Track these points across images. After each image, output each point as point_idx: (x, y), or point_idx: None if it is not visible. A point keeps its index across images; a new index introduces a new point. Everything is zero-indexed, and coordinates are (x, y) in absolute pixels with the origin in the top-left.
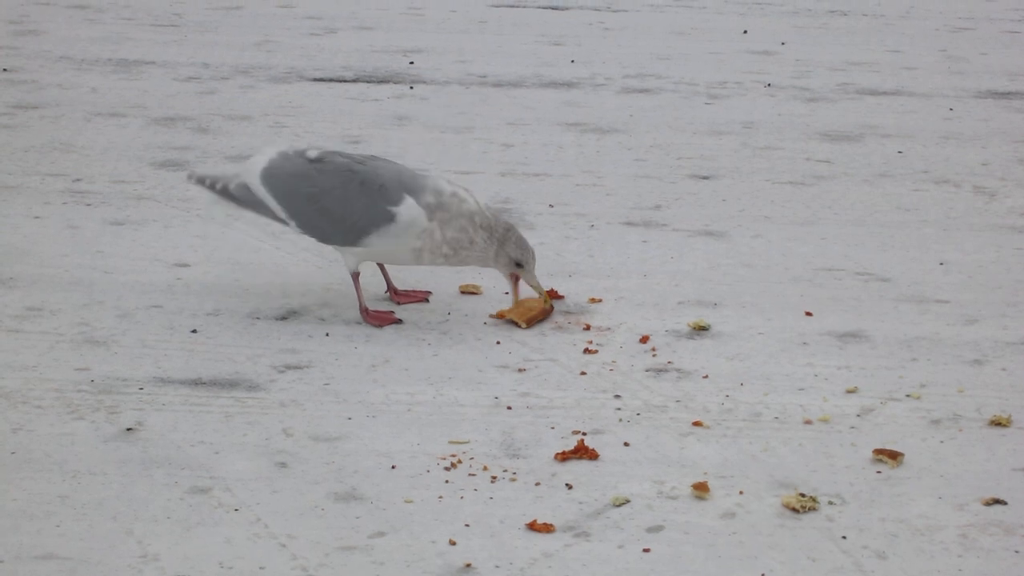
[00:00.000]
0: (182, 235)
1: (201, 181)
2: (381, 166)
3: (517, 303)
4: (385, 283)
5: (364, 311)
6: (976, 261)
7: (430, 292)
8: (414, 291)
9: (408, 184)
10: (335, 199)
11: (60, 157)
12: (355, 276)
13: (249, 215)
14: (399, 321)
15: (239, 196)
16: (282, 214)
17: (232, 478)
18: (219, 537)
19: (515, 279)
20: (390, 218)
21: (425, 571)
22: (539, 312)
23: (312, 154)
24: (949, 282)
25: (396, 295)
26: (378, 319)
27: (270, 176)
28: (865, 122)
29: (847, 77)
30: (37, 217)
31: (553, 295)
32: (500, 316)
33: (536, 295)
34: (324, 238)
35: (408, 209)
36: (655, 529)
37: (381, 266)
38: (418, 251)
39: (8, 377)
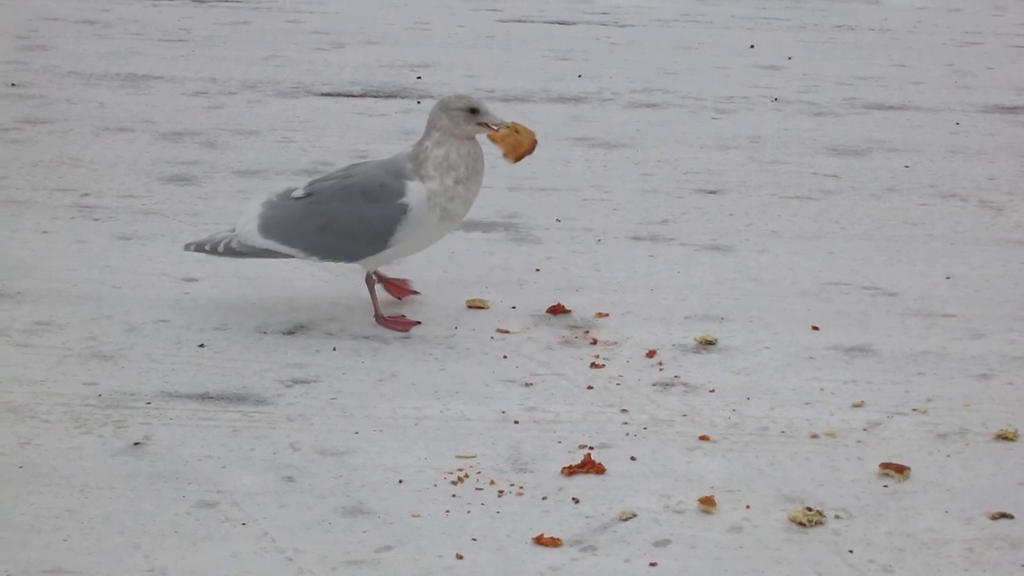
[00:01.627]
0: None
1: (200, 248)
2: (366, 169)
3: (506, 135)
4: (379, 302)
5: (380, 317)
6: (983, 275)
7: (418, 322)
8: (401, 317)
9: (396, 171)
10: (347, 217)
11: (68, 172)
12: (371, 282)
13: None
14: (417, 323)
15: (246, 252)
16: (299, 254)
17: (239, 492)
18: (226, 551)
19: (487, 129)
20: (403, 210)
21: None
22: (527, 148)
23: (297, 193)
24: (956, 296)
25: (389, 286)
26: (395, 324)
27: (270, 228)
28: (872, 136)
29: (854, 91)
30: (45, 232)
31: (560, 310)
32: (492, 139)
33: (519, 133)
34: (352, 256)
35: (413, 192)
36: (662, 543)
37: (376, 279)
38: (444, 214)
39: (16, 391)
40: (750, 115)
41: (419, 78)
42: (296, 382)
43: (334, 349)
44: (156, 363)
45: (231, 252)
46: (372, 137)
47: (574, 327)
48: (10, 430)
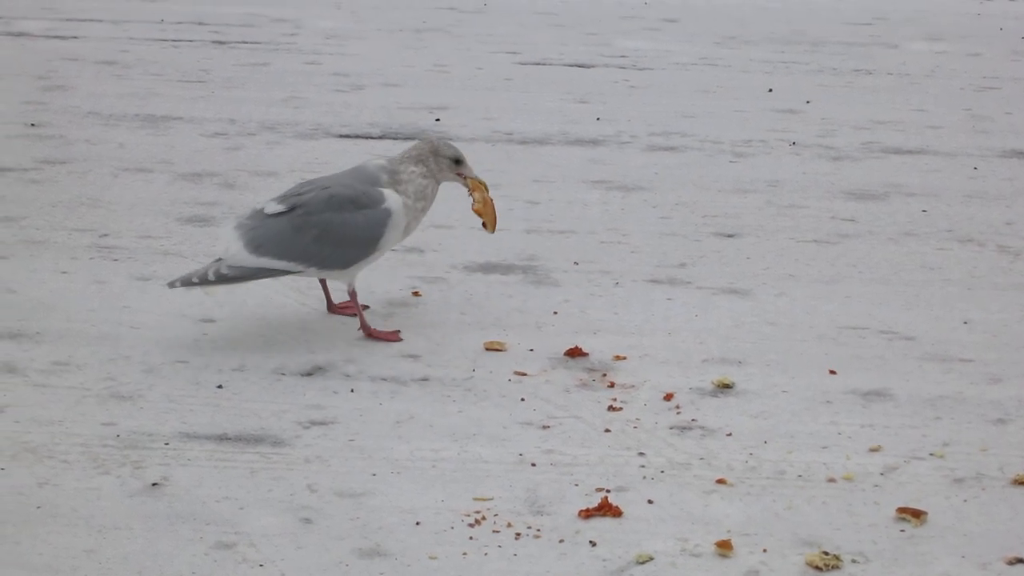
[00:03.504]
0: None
1: (187, 283)
2: (340, 179)
3: (485, 208)
4: (364, 316)
5: (367, 329)
6: (1000, 320)
7: (398, 332)
8: (385, 331)
9: (372, 180)
10: (341, 225)
11: (87, 212)
12: (354, 295)
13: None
14: (400, 340)
15: (238, 276)
16: (295, 267)
17: (257, 534)
18: None
19: (465, 179)
20: (387, 214)
21: None
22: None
23: (271, 209)
24: (973, 341)
25: (341, 311)
26: (382, 337)
27: (260, 246)
28: (890, 181)
29: (872, 136)
30: (64, 272)
31: (577, 352)
32: (476, 212)
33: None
34: (346, 263)
35: (392, 200)
36: None
37: (323, 282)
38: (407, 227)
39: (35, 431)
40: (768, 159)
41: (438, 120)
42: (314, 423)
43: (352, 391)
44: (174, 404)
45: (223, 279)
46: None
47: (592, 370)
48: (28, 470)
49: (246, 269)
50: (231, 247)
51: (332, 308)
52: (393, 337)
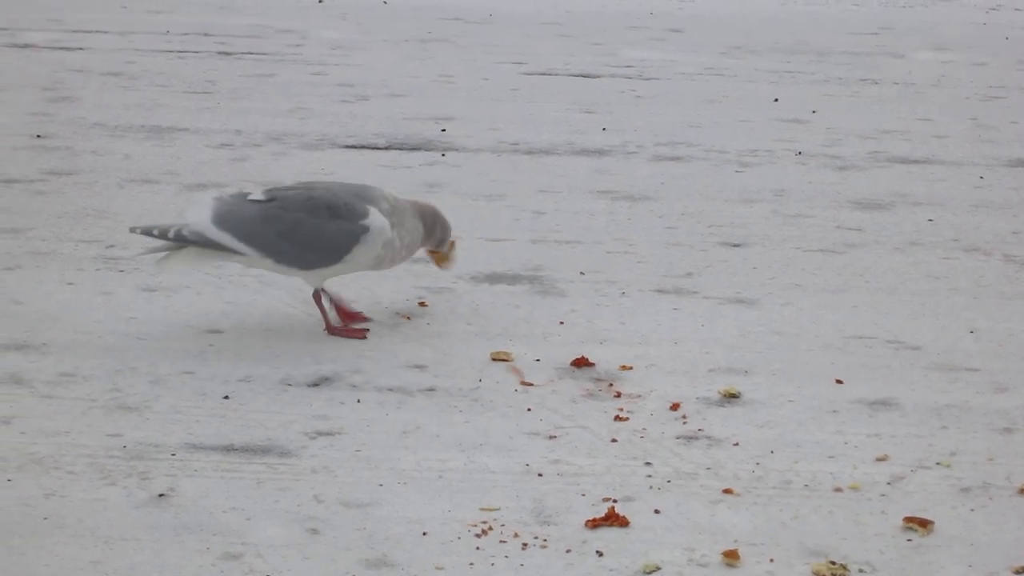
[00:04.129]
0: (214, 301)
1: (148, 232)
2: (332, 187)
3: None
4: (328, 314)
5: (331, 328)
6: (1007, 329)
7: (369, 319)
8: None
9: (366, 197)
10: (310, 228)
11: (93, 223)
12: (318, 296)
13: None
14: (367, 322)
15: (196, 241)
16: (252, 253)
17: (264, 544)
18: None
19: (433, 254)
20: (364, 230)
21: None
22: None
23: (256, 195)
24: (979, 350)
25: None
26: (349, 333)
27: (225, 221)
28: (896, 190)
29: (878, 145)
30: (70, 283)
31: (584, 362)
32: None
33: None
34: (305, 266)
35: (376, 219)
36: None
37: (323, 294)
38: (380, 259)
39: (41, 443)
40: (774, 168)
41: (444, 131)
42: (320, 434)
43: (358, 401)
44: (181, 414)
45: (181, 239)
46: (396, 189)
47: (598, 380)
48: (35, 481)
49: (204, 238)
50: (200, 214)
51: (332, 328)
52: (359, 334)
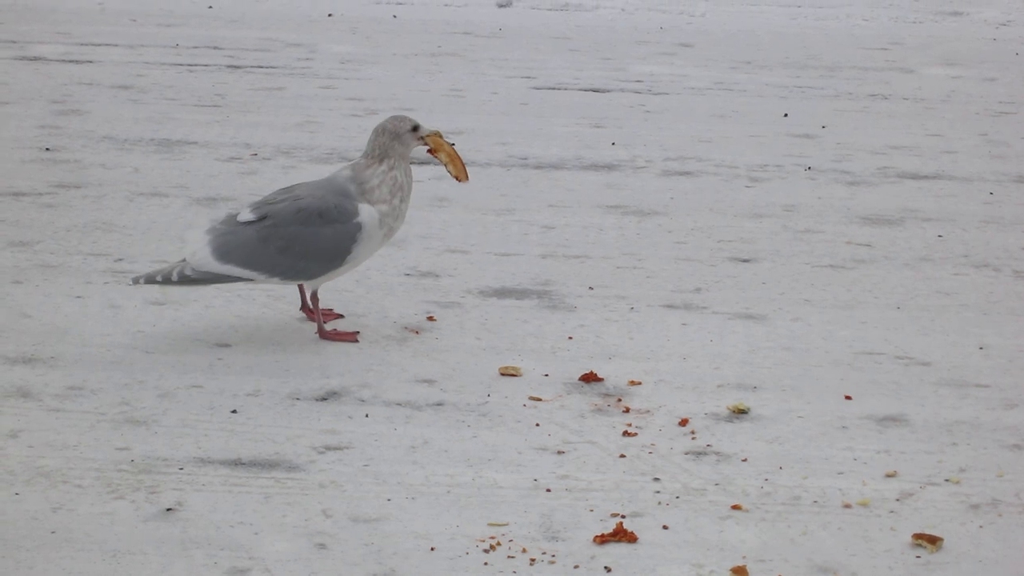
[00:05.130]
0: (223, 315)
1: (151, 280)
2: (312, 191)
3: (452, 160)
4: (301, 302)
5: (324, 332)
6: (1016, 345)
7: (340, 315)
8: (342, 332)
9: (344, 192)
10: (307, 239)
11: (102, 237)
12: (316, 301)
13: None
14: (357, 340)
15: (201, 279)
16: (259, 276)
17: (271, 559)
18: None
19: (428, 147)
20: (358, 228)
21: None
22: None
23: (244, 217)
24: (989, 366)
25: (311, 314)
26: (339, 336)
27: (227, 253)
28: (905, 206)
29: (888, 161)
30: (79, 297)
31: (592, 378)
32: (433, 154)
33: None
34: (311, 275)
35: (365, 212)
36: None
37: (301, 288)
38: (389, 231)
39: (49, 456)
40: (784, 184)
41: (453, 144)
42: (328, 448)
43: (367, 416)
44: (189, 428)
45: (186, 280)
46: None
47: (607, 395)
48: (43, 495)
49: (209, 274)
50: (199, 251)
51: (325, 332)
52: (351, 338)
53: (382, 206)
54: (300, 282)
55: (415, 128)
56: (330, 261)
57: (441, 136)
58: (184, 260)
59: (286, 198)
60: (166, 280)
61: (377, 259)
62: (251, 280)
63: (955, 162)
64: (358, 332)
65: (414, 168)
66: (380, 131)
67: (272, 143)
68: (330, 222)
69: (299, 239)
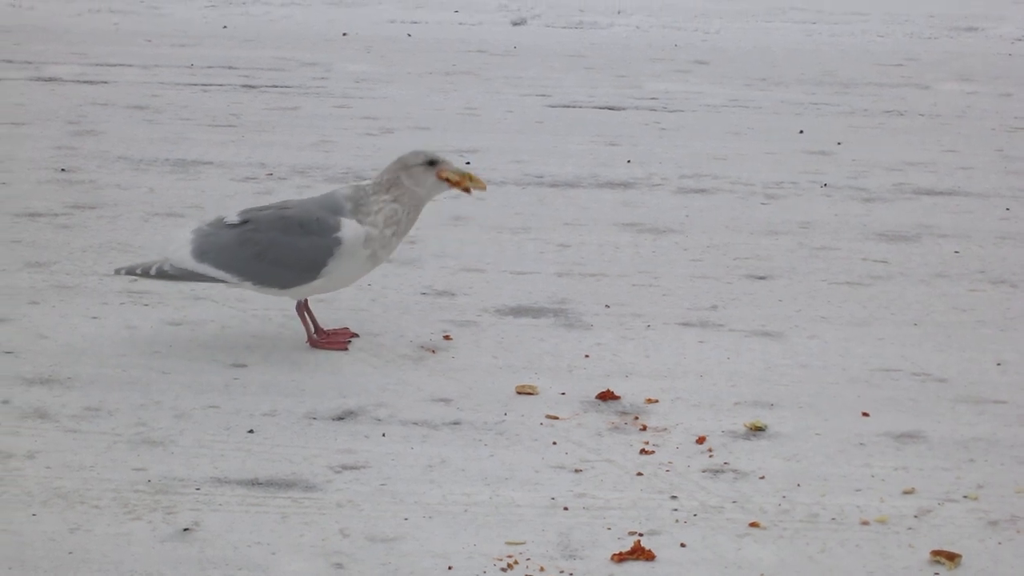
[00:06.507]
0: (239, 335)
1: (131, 272)
2: (303, 203)
3: (463, 179)
4: (311, 327)
5: (313, 341)
6: None
7: (356, 334)
8: (337, 332)
9: (334, 207)
10: (283, 247)
11: (118, 257)
12: (300, 310)
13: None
14: (350, 342)
15: (178, 275)
16: (232, 279)
17: None
18: None
19: (447, 179)
20: (336, 243)
21: None
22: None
23: (231, 219)
24: (1006, 383)
25: (324, 335)
26: (332, 344)
27: (204, 252)
28: (922, 222)
29: (903, 177)
30: (95, 317)
31: (609, 396)
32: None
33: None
34: (283, 284)
35: (348, 228)
36: None
37: (307, 308)
38: (373, 256)
39: (66, 477)
40: (799, 200)
41: (468, 163)
42: (345, 468)
43: (383, 435)
44: (205, 449)
45: (163, 275)
46: (421, 222)
47: (624, 413)
48: (60, 516)
49: (185, 271)
50: (180, 249)
51: (314, 340)
52: (341, 346)
53: (372, 229)
54: (274, 290)
55: (432, 163)
56: (303, 272)
57: (471, 177)
58: (166, 257)
59: (275, 206)
60: (145, 273)
61: (393, 278)
62: (224, 282)
63: (971, 178)
64: (350, 341)
65: None
66: (395, 160)
67: (287, 162)
68: (309, 233)
69: (275, 246)
